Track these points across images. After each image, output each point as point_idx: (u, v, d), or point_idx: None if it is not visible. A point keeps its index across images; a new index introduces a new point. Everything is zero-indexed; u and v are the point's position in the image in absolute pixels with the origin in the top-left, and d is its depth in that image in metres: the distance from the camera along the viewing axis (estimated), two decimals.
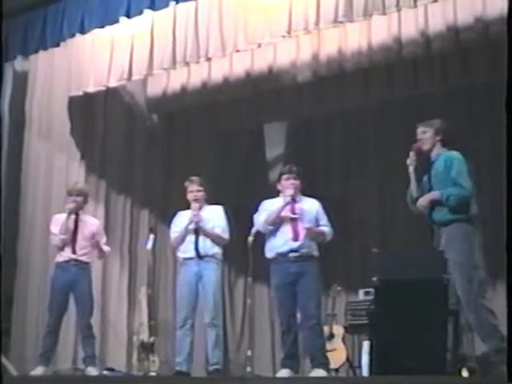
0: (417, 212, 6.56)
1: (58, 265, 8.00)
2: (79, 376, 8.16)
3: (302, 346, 7.24)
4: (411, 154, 6.55)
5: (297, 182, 7.28)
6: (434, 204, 6.33)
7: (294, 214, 7.19)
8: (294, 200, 7.24)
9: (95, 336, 8.10)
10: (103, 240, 8.25)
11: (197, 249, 7.76)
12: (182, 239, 7.85)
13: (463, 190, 6.24)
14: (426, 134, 6.55)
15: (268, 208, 7.30)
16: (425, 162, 6.59)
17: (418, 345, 5.52)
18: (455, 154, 6.44)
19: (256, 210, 7.60)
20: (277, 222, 7.21)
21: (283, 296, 7.14)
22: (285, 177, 7.30)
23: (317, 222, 7.26)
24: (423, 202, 6.37)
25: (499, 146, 9.34)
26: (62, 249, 7.97)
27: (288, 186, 7.24)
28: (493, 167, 9.48)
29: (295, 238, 7.11)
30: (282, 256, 7.14)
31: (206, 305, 7.69)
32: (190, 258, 7.80)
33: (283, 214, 7.21)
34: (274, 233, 7.24)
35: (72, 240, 7.95)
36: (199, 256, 7.75)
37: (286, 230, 7.17)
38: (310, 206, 7.31)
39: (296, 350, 7.10)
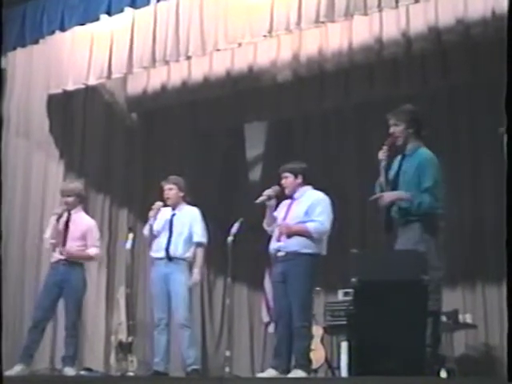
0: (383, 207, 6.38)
1: (51, 266, 8.00)
2: (57, 376, 8.11)
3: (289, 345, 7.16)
4: (384, 148, 6.22)
5: (289, 180, 7.14)
6: (396, 203, 6.08)
7: (287, 211, 7.11)
8: (291, 197, 7.16)
9: (78, 337, 8.05)
10: (94, 238, 8.14)
11: (167, 250, 7.74)
12: (150, 238, 7.90)
13: (436, 202, 5.99)
14: (397, 128, 6.21)
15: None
16: (399, 156, 6.39)
17: (397, 346, 5.50)
18: (430, 155, 6.15)
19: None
20: (271, 223, 7.18)
21: (275, 294, 7.13)
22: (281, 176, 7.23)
23: (306, 217, 7.01)
24: (388, 198, 6.07)
25: (478, 147, 9.46)
26: (53, 251, 7.92)
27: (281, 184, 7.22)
28: (470, 169, 9.54)
29: (278, 238, 7.05)
30: (274, 256, 7.11)
31: (176, 306, 7.66)
32: (160, 259, 7.79)
33: (273, 213, 7.18)
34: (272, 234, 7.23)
35: (62, 241, 7.90)
36: (169, 257, 7.73)
37: (275, 230, 7.14)
38: (304, 200, 7.11)
39: (284, 350, 6.91)
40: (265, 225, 7.23)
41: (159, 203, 7.87)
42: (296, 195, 7.16)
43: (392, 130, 6.27)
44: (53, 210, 8.41)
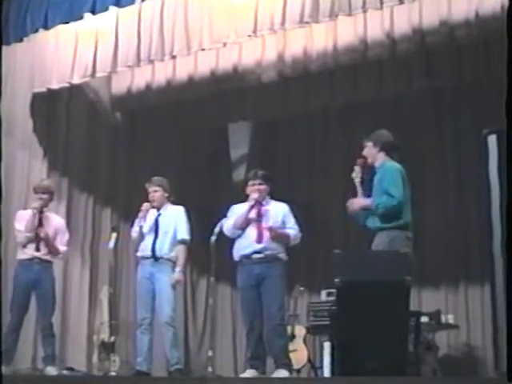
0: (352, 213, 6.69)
1: (21, 262, 7.91)
2: (38, 376, 8.07)
3: (265, 346, 7.24)
4: (356, 167, 6.65)
5: (262, 187, 7.31)
6: (364, 209, 6.48)
7: (260, 216, 7.22)
8: (260, 203, 7.28)
9: (55, 335, 8.03)
10: (64, 238, 8.17)
11: (153, 250, 7.73)
12: (139, 239, 7.85)
13: (391, 198, 6.28)
14: (366, 149, 6.66)
15: (237, 212, 7.33)
16: (371, 174, 6.66)
17: (380, 346, 5.52)
18: (392, 164, 6.50)
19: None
20: (243, 226, 7.23)
21: (247, 297, 7.15)
22: (251, 182, 7.34)
23: (283, 225, 7.27)
24: (351, 206, 6.59)
25: (462, 148, 9.49)
26: (25, 246, 7.89)
27: (253, 190, 7.27)
28: (454, 170, 9.58)
29: (259, 240, 7.13)
30: (247, 258, 7.16)
31: (161, 306, 7.65)
32: (146, 258, 7.77)
33: (249, 216, 7.24)
34: (240, 235, 7.25)
35: (36, 238, 7.88)
36: (155, 257, 7.72)
37: (251, 233, 7.19)
38: (277, 209, 7.34)
39: (261, 351, 7.09)
40: (233, 227, 7.26)
41: (147, 204, 7.86)
42: (264, 202, 7.32)
43: (364, 151, 6.68)
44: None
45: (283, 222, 7.28)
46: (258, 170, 7.43)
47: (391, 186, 6.31)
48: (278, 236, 7.19)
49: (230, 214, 7.41)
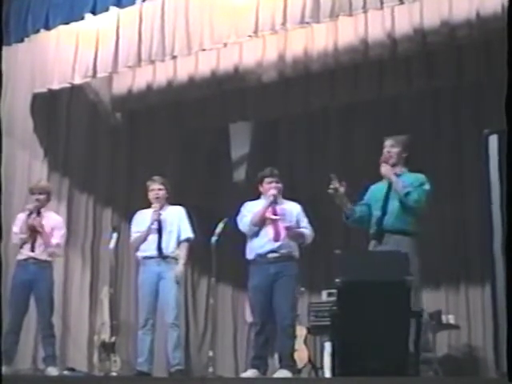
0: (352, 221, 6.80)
1: (18, 263, 7.94)
2: (39, 376, 8.07)
3: (272, 345, 7.22)
4: (384, 165, 6.60)
5: (279, 185, 7.30)
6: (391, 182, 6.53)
7: (276, 215, 7.19)
8: (275, 202, 7.25)
9: (55, 335, 8.03)
10: (60, 233, 8.13)
11: (159, 249, 7.71)
12: (143, 239, 7.82)
13: (420, 208, 6.46)
14: (393, 149, 6.62)
15: (252, 209, 7.29)
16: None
17: (381, 346, 5.52)
18: (424, 177, 6.57)
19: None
20: (260, 223, 7.21)
21: (260, 297, 7.12)
22: (267, 180, 7.30)
23: (297, 224, 7.26)
24: (389, 172, 6.55)
25: (462, 148, 9.48)
26: (21, 247, 7.89)
27: (271, 187, 7.25)
28: (453, 170, 9.57)
29: (276, 239, 7.11)
30: (262, 257, 7.12)
31: (167, 305, 7.65)
32: (151, 258, 7.75)
33: (266, 215, 7.22)
34: (255, 234, 7.22)
35: (32, 238, 7.87)
36: (161, 256, 7.70)
37: (268, 231, 7.16)
38: (291, 208, 7.32)
39: (265, 352, 7.08)
40: (251, 224, 7.23)
41: (157, 205, 7.85)
42: (279, 201, 7.28)
43: (387, 149, 6.64)
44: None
45: (297, 222, 7.26)
46: (273, 168, 7.40)
47: (423, 196, 6.46)
48: (295, 235, 7.20)
49: (244, 211, 7.35)
